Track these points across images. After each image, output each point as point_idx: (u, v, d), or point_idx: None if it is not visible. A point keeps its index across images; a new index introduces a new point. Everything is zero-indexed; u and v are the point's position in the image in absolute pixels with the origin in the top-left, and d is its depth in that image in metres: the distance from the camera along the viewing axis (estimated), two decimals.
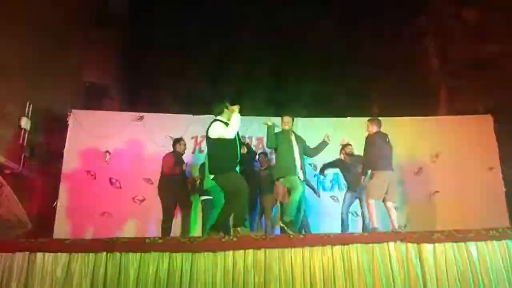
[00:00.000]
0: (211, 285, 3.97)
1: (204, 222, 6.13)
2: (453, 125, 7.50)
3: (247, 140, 7.06)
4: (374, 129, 5.66)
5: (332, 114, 7.65)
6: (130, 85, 9.52)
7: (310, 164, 7.01)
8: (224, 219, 4.97)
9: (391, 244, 4.18)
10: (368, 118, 5.85)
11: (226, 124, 4.90)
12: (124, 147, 7.15)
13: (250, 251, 4.08)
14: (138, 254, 4.04)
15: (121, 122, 7.30)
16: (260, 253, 4.08)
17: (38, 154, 6.86)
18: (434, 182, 7.17)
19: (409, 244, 4.19)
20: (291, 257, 4.08)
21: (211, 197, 5.79)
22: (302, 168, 5.59)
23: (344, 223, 6.11)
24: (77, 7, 8.05)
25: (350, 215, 6.33)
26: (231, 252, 4.07)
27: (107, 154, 7.11)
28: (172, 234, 6.11)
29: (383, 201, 5.41)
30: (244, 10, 9.21)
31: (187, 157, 6.69)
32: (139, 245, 4.14)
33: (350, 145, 6.35)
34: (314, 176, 7.09)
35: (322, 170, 6.62)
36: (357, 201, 6.25)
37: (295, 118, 5.98)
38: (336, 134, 6.37)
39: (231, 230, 4.99)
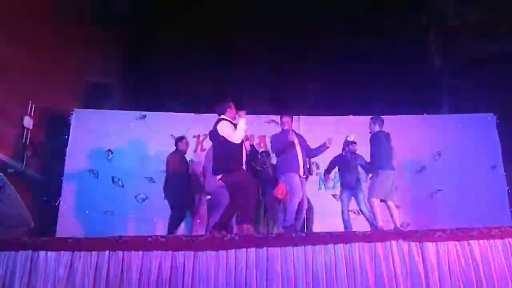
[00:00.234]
0: (213, 283, 3.97)
1: (207, 221, 6.13)
2: (455, 123, 7.49)
3: (249, 139, 7.05)
4: (376, 127, 5.64)
5: (334, 113, 7.64)
6: (132, 84, 9.52)
7: (313, 163, 7.00)
8: (228, 218, 4.96)
9: (393, 242, 4.18)
10: (370, 117, 5.84)
11: (232, 124, 4.89)
12: (126, 146, 7.17)
13: (253, 249, 4.08)
14: (140, 252, 4.05)
15: (123, 121, 7.32)
16: (262, 251, 4.08)
17: (40, 153, 6.89)
18: (436, 180, 7.16)
19: (412, 243, 4.18)
20: (293, 255, 4.08)
21: (214, 197, 5.79)
22: (304, 166, 5.57)
23: (346, 227, 6.07)
24: (79, 6, 8.06)
25: (350, 213, 6.30)
26: (233, 251, 4.07)
27: (110, 153, 7.13)
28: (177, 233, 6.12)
29: (384, 200, 5.40)
30: (244, 7, 9.19)
31: (189, 155, 6.69)
32: (141, 243, 4.14)
33: (355, 143, 6.30)
34: (317, 174, 7.08)
35: (326, 173, 6.54)
36: (352, 199, 6.20)
37: (297, 117, 5.98)
38: (337, 133, 6.37)
39: (236, 228, 4.98)
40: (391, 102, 8.03)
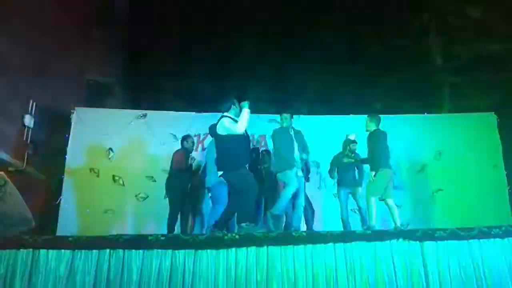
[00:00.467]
0: (213, 282, 3.98)
1: (207, 219, 6.13)
2: (456, 122, 7.48)
3: (250, 138, 7.05)
4: (373, 126, 5.64)
5: (334, 112, 7.65)
6: (133, 83, 9.53)
7: (313, 162, 7.00)
8: (228, 217, 4.97)
9: (394, 242, 4.18)
10: (367, 115, 5.83)
11: (234, 120, 4.88)
12: (127, 144, 7.17)
13: (253, 248, 4.09)
14: (141, 251, 4.06)
15: (124, 120, 7.31)
16: (262, 250, 4.09)
17: (41, 151, 6.89)
18: (437, 180, 7.15)
19: (412, 242, 4.19)
20: (293, 254, 4.09)
21: (214, 193, 5.80)
22: (302, 163, 5.58)
23: (346, 226, 6.07)
24: (79, 6, 8.06)
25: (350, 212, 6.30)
26: (233, 250, 4.08)
27: (110, 151, 7.14)
28: (176, 231, 6.12)
29: (383, 198, 5.40)
30: (245, 6, 9.20)
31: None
32: (142, 242, 4.15)
33: (355, 142, 6.30)
34: (317, 174, 7.08)
35: (331, 173, 6.49)
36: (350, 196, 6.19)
37: (297, 116, 5.98)
38: (337, 132, 6.35)
39: (236, 227, 4.98)
40: (391, 102, 8.03)
